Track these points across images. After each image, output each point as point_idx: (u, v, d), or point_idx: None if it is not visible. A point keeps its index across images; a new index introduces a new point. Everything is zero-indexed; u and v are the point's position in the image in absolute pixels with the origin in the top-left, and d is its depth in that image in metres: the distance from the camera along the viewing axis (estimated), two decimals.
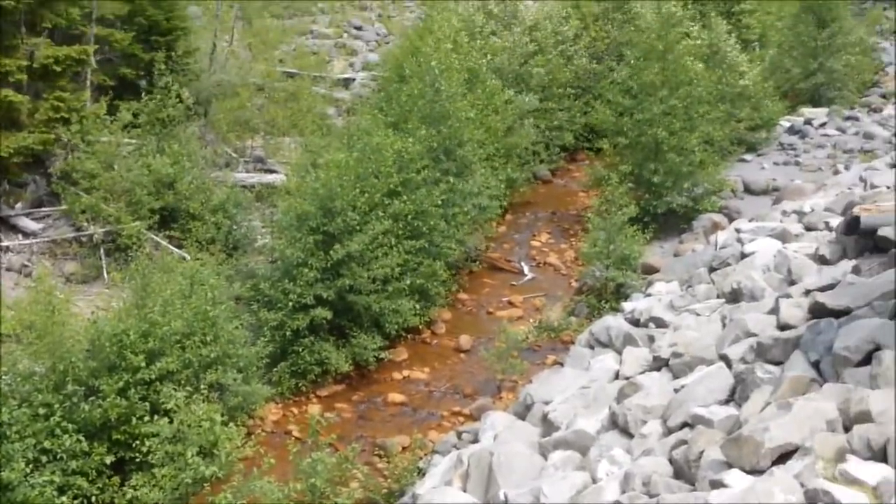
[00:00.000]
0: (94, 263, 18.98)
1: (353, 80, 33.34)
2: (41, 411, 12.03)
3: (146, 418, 12.50)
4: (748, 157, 28.44)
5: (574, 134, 29.35)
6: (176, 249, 18.76)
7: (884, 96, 35.56)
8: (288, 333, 16.01)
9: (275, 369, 16.06)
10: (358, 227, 16.61)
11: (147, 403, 12.72)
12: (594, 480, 9.02)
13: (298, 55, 34.41)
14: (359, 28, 41.24)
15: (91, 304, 16.36)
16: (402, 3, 46.75)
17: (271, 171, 24.48)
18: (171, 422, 12.49)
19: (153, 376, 12.91)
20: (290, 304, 15.88)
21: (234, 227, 19.89)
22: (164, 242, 19.33)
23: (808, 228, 16.13)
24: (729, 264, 15.28)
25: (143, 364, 12.80)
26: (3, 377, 12.35)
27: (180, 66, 23.26)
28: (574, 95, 29.59)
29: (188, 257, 17.25)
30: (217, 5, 28.73)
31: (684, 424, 9.27)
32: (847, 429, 7.33)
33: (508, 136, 24.79)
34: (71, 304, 14.17)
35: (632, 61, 24.19)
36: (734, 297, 13.27)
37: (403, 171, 18.17)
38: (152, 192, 19.75)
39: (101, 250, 19.14)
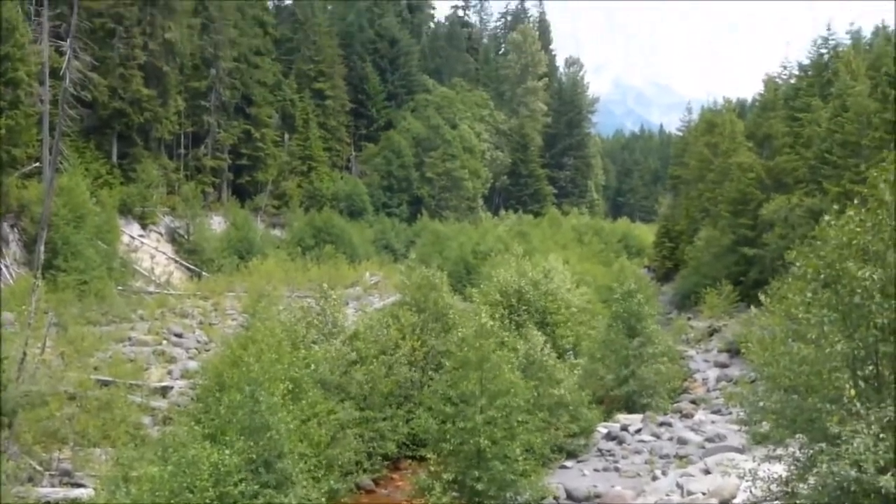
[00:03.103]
0: None
1: (171, 388, 32.59)
2: None
3: None
4: (569, 463, 28.80)
5: (397, 443, 29.21)
6: None
7: (694, 402, 37.27)
8: None
9: None
10: None
11: None
12: None
13: (114, 362, 33.55)
14: (179, 335, 40.82)
15: None
16: (225, 311, 46.93)
17: (79, 486, 23.08)
18: None
19: None
20: None
21: None
22: None
23: None
24: None
25: None
26: None
27: None
28: (396, 404, 29.74)
29: None
30: (30, 312, 28.05)
31: None
32: None
33: (331, 447, 24.43)
34: None
35: (450, 370, 24.70)
36: None
37: (220, 485, 17.47)
38: None
39: None
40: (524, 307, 36.09)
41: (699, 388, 40.13)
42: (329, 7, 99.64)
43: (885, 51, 49.09)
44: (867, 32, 73.64)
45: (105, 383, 29.39)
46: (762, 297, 17.90)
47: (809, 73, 61.74)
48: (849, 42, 65.50)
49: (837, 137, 45.67)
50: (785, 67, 70.52)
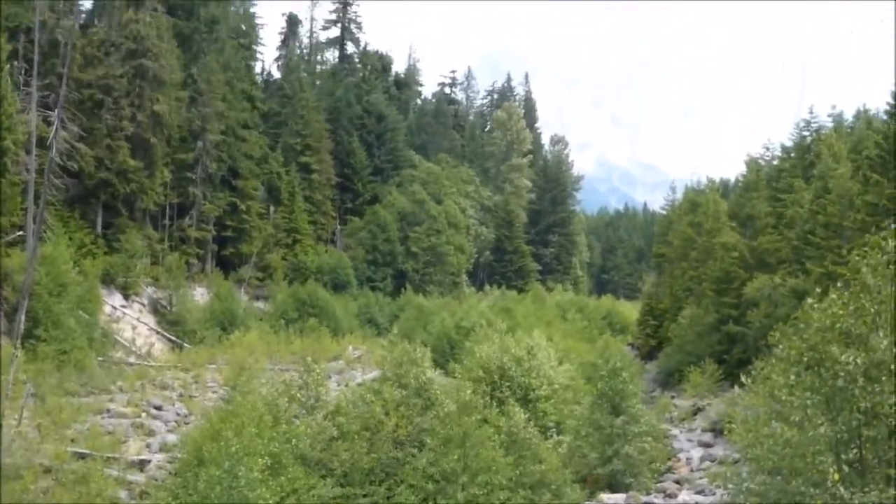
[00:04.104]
0: None
1: (150, 461, 32.15)
2: None
3: None
4: None
5: None
6: None
7: (678, 482, 36.92)
8: None
9: None
10: None
11: None
12: None
13: (92, 434, 33.13)
14: (158, 408, 40.37)
15: None
16: (206, 383, 46.53)
17: None
18: None
19: None
20: None
21: None
22: None
23: None
24: None
25: None
26: None
27: None
28: (378, 481, 29.36)
29: None
30: (7, 383, 27.77)
31: None
32: None
33: None
34: None
35: (433, 447, 24.50)
36: None
37: None
38: None
39: None
40: (507, 383, 35.95)
41: (683, 468, 39.79)
42: (317, 82, 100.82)
43: (867, 134, 49.83)
44: (849, 115, 74.77)
45: (82, 456, 28.98)
46: (745, 379, 17.89)
47: (792, 154, 62.63)
48: (831, 125, 66.53)
49: (820, 219, 46.12)
50: (767, 149, 71.53)
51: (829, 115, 69.53)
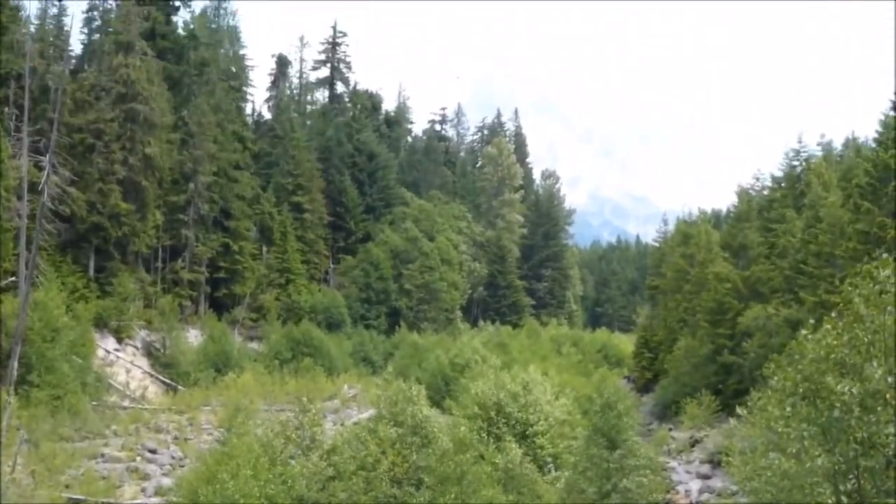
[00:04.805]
0: None
1: None
2: None
3: None
4: None
5: None
6: None
7: None
8: None
9: None
10: None
11: None
12: None
13: (87, 479, 32.92)
14: (153, 451, 40.13)
15: None
16: (200, 426, 46.29)
17: None
18: None
19: None
20: None
21: None
22: None
23: None
24: None
25: None
26: None
27: None
28: None
29: None
30: (2, 430, 27.61)
31: None
32: None
33: None
34: None
35: (430, 486, 24.35)
36: None
37: None
38: None
39: None
40: (503, 420, 35.80)
41: (682, 501, 39.62)
42: (308, 122, 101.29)
43: (856, 162, 50.11)
44: (838, 144, 75.24)
45: (77, 501, 28.81)
46: (741, 410, 17.86)
47: (782, 184, 62.86)
48: (820, 153, 66.88)
49: (812, 248, 46.25)
50: (758, 179, 71.80)
51: (818, 144, 69.92)
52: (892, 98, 47.45)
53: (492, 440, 30.73)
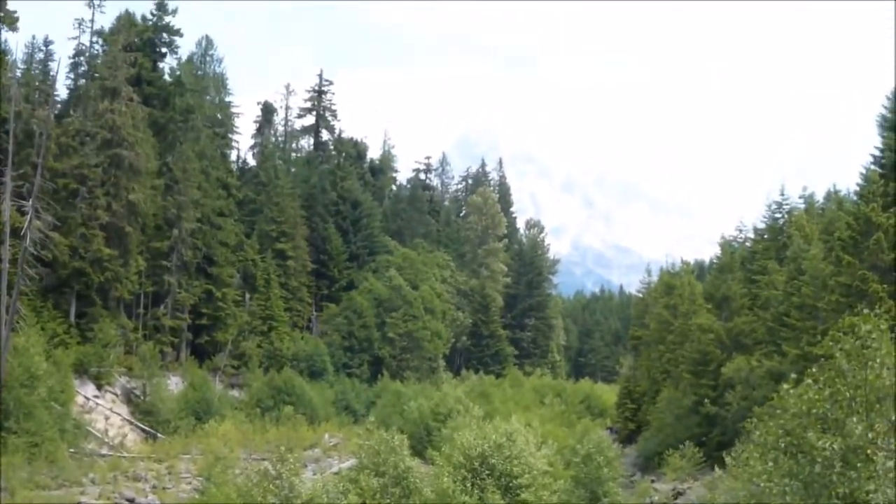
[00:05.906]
0: None
1: None
2: None
3: None
4: None
5: None
6: None
7: None
8: None
9: None
10: None
11: None
12: None
13: None
14: (131, 500, 39.63)
15: None
16: (180, 474, 45.78)
17: None
18: None
19: None
20: None
21: None
22: None
23: None
24: None
25: None
26: None
27: None
28: None
29: None
30: None
31: None
32: None
33: None
34: None
35: None
36: None
37: None
38: None
39: None
40: (487, 471, 35.52)
41: None
42: (292, 169, 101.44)
43: (838, 215, 50.51)
44: (819, 197, 75.84)
45: None
46: (729, 459, 17.80)
47: (765, 236, 63.28)
48: (802, 206, 67.41)
49: (794, 300, 46.48)
50: (741, 231, 72.27)
51: (800, 197, 70.48)
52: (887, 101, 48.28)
53: (476, 491, 30.46)
